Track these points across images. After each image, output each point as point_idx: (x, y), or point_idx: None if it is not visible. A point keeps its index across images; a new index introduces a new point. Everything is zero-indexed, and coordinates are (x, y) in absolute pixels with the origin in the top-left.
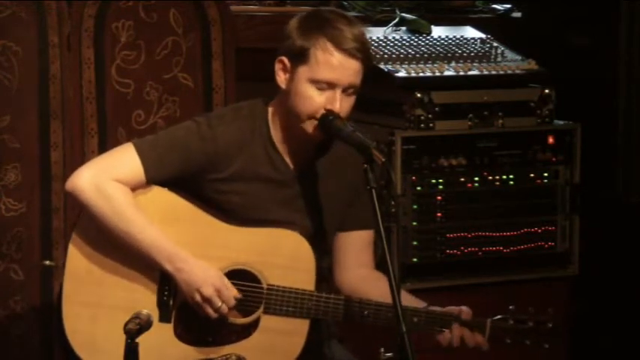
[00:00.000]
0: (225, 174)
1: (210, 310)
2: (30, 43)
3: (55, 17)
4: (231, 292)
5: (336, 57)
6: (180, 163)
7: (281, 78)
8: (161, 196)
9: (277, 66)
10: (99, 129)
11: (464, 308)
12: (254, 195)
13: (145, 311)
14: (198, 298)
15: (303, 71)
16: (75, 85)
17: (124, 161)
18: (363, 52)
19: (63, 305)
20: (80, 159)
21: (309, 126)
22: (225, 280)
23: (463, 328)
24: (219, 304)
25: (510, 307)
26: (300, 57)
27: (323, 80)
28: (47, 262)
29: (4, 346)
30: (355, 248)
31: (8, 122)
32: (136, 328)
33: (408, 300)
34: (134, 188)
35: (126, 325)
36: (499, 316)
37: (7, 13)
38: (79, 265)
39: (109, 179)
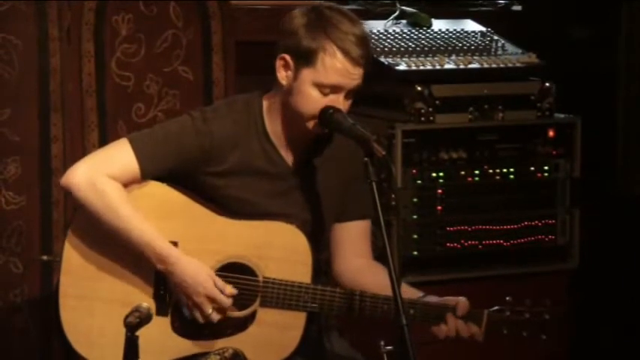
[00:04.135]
0: (220, 168)
1: (199, 316)
2: (30, 36)
3: (55, 11)
4: (225, 292)
5: (344, 64)
6: (175, 157)
7: (282, 75)
8: (157, 190)
9: (279, 62)
10: (99, 122)
11: (461, 300)
12: (250, 189)
13: (144, 304)
14: (189, 303)
15: (307, 73)
16: (75, 78)
17: (118, 156)
18: (367, 57)
19: (60, 299)
20: (80, 152)
21: (311, 125)
22: (218, 280)
23: (457, 319)
24: (209, 311)
25: (507, 298)
26: (305, 59)
27: (329, 85)
28: (45, 257)
29: (3, 339)
30: (352, 239)
31: (8, 116)
32: (136, 321)
33: (404, 290)
34: (129, 183)
35: (126, 318)
36: (496, 307)
37: (6, 6)
38: (75, 259)
39: (103, 175)
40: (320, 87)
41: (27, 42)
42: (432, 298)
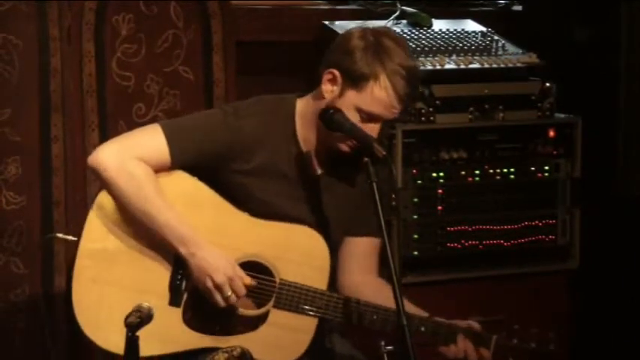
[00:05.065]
0: (246, 166)
1: (219, 298)
2: (30, 36)
3: (55, 10)
4: (243, 282)
5: (390, 98)
6: (204, 149)
7: (327, 88)
8: (183, 180)
9: (326, 76)
10: (99, 122)
11: (473, 323)
12: (270, 190)
13: (145, 304)
14: (209, 284)
15: (352, 96)
16: (75, 78)
17: (150, 141)
18: (413, 95)
19: (73, 280)
20: (81, 152)
21: (342, 145)
22: (238, 268)
23: (467, 340)
24: (229, 292)
25: (515, 326)
26: (354, 81)
27: (370, 113)
28: (60, 235)
29: (4, 339)
30: (360, 254)
31: (9, 116)
32: (137, 321)
33: (412, 310)
34: (157, 170)
35: (126, 318)
36: (504, 333)
37: (7, 6)
38: (93, 241)
39: (133, 157)
40: (360, 112)
41: (27, 42)
42: (442, 320)
